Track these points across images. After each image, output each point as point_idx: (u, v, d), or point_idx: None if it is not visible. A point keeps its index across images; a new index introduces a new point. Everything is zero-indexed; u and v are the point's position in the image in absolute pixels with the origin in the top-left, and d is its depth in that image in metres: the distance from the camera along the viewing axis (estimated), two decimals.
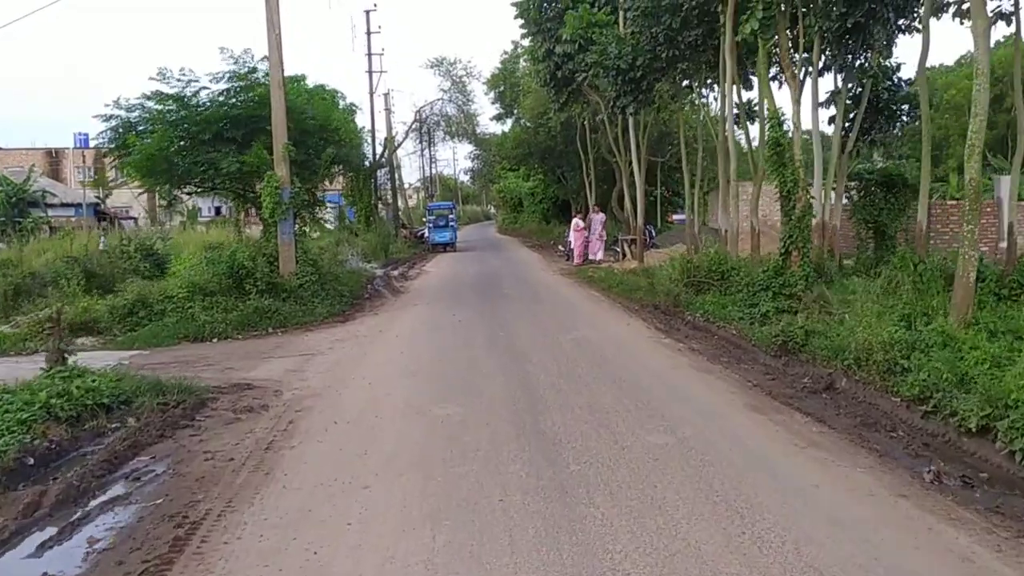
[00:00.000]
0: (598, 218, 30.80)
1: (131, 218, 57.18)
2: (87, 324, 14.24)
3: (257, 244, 17.18)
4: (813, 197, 15.13)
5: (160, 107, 17.34)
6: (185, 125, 17.18)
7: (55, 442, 7.09)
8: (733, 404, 8.67)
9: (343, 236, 34.47)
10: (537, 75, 30.56)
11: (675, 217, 50.89)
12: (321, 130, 18.17)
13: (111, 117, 17.66)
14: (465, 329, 14.22)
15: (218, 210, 55.71)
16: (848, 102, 18.08)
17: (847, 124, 18.57)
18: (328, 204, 55.97)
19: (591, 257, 30.03)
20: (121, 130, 17.73)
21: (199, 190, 19.12)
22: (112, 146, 18.16)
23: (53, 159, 69.96)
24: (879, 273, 16.79)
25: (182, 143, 17.34)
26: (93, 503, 6.03)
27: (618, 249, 31.04)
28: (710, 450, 6.89)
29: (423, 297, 19.96)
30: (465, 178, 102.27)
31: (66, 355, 8.98)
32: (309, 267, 16.93)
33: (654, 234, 33.50)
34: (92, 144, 21.13)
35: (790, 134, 14.66)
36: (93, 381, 8.46)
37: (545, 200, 58.50)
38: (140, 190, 36.19)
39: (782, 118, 15.01)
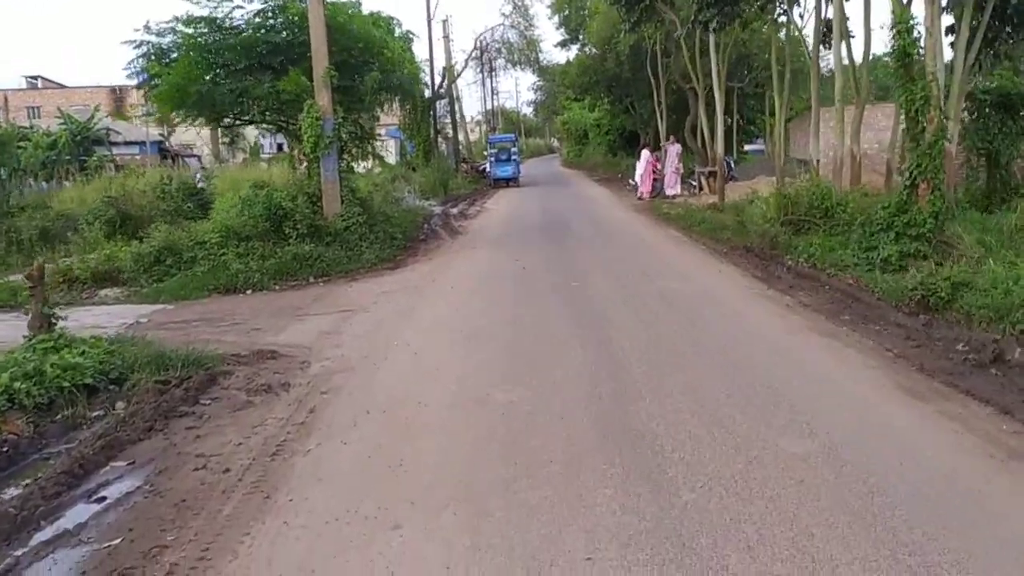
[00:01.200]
0: (673, 149, 28.28)
1: (195, 155, 56.54)
2: (110, 273, 12.81)
3: (298, 183, 15.48)
4: (948, 118, 12.69)
5: (190, 30, 15.57)
6: (217, 50, 15.41)
7: (8, 443, 5.51)
8: (880, 386, 6.63)
9: (400, 172, 32.73)
10: None
11: (749, 148, 47.81)
12: (367, 52, 16.18)
13: (141, 43, 15.99)
14: (530, 278, 12.34)
15: (280, 147, 54.63)
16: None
17: (970, 33, 15.81)
18: (390, 138, 54.52)
19: (667, 192, 27.68)
20: (153, 58, 16.05)
21: (237, 123, 17.42)
22: (141, 77, 16.53)
23: (117, 97, 69.58)
24: (991, 209, 14.34)
25: (216, 71, 15.63)
26: (29, 544, 4.41)
27: (694, 183, 28.64)
28: (872, 466, 4.93)
29: (483, 239, 18.10)
30: (528, 110, 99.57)
31: (52, 320, 7.41)
32: (356, 207, 15.17)
33: (733, 166, 30.77)
34: (127, 76, 19.56)
35: (922, 42, 12.17)
36: (80, 354, 6.88)
37: (612, 132, 55.80)
38: (201, 127, 34.94)
39: (913, 21, 12.45)
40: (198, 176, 32.02)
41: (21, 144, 43.93)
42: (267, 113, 16.53)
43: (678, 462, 5.03)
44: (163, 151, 53.69)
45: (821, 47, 20.94)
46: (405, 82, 16.74)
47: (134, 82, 16.58)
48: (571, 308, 9.94)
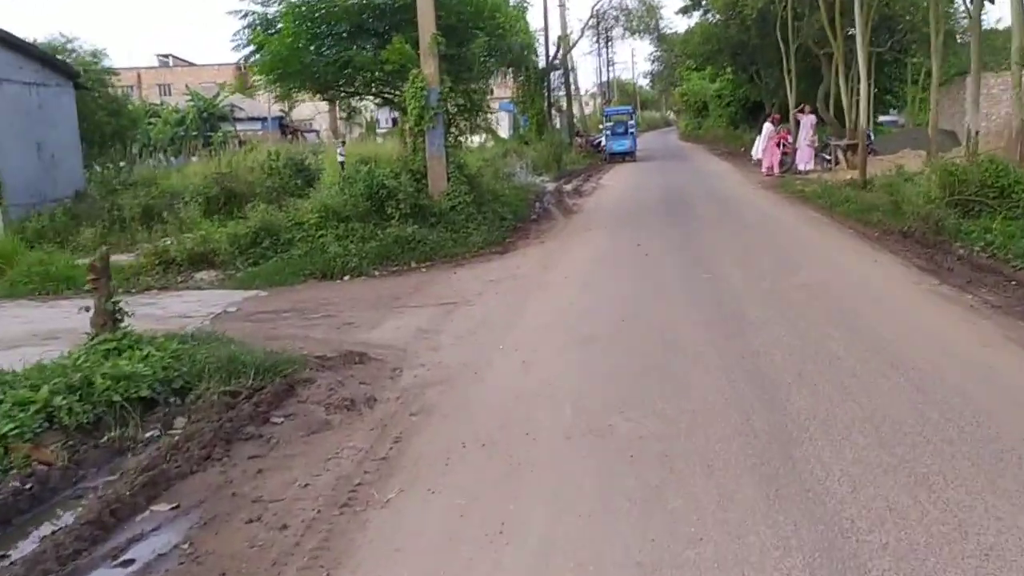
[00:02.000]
0: (807, 120, 25.97)
1: (313, 131, 57.41)
2: (207, 256, 12.18)
3: (402, 159, 14.52)
4: None
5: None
6: (320, 17, 14.55)
7: (37, 476, 4.64)
8: None
9: (512, 146, 31.60)
10: None
11: (882, 119, 44.22)
12: (477, 17, 15.00)
13: (247, 14, 15.32)
14: (654, 267, 10.94)
15: (394, 121, 54.66)
16: None
17: None
18: (502, 112, 53.56)
19: (799, 167, 25.49)
20: (259, 28, 15.37)
21: (342, 95, 16.58)
22: (249, 51, 15.87)
23: (242, 73, 71.35)
24: None
25: (320, 40, 14.81)
26: None
27: (828, 157, 26.29)
28: None
29: (599, 219, 16.73)
30: (644, 82, 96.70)
31: (117, 316, 6.59)
32: (463, 186, 14.09)
33: (872, 139, 28.17)
34: (232, 48, 18.84)
35: None
36: (143, 359, 6.01)
37: (733, 103, 52.96)
38: (312, 101, 34.86)
39: None
40: (339, 151, 31.63)
41: (151, 120, 45.49)
42: (373, 84, 15.62)
43: (880, 551, 3.63)
44: (283, 127, 54.73)
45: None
46: (516, 49, 15.46)
47: (241, 55, 15.92)
48: (703, 307, 8.51)
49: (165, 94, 64.05)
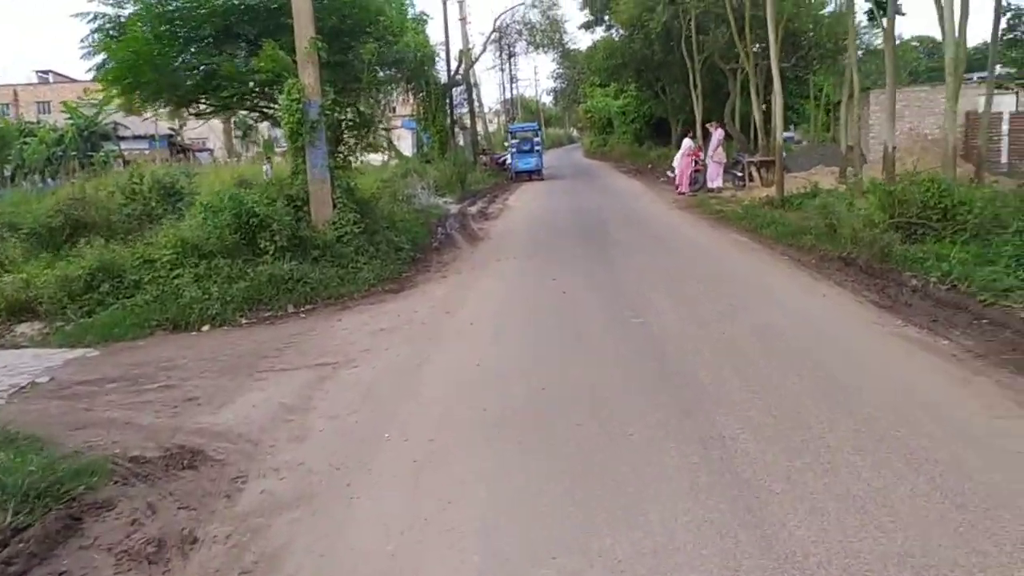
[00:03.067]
0: (716, 136, 25.07)
1: (207, 150, 54.24)
2: (29, 304, 9.90)
3: (278, 183, 12.53)
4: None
5: None
6: (181, 20, 12.47)
7: None
8: None
9: (413, 166, 29.77)
10: None
11: (784, 136, 44.39)
12: (364, 19, 13.18)
13: (96, 16, 13.05)
14: (574, 308, 9.28)
15: None
16: None
17: None
18: (405, 130, 51.57)
19: (710, 184, 24.55)
20: (112, 33, 13.12)
21: (208, 110, 14.41)
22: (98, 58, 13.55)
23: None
24: None
25: (179, 45, 12.71)
26: None
27: (739, 174, 25.47)
28: None
29: (508, 246, 15.04)
30: (547, 99, 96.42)
31: None
32: (352, 212, 12.17)
33: (783, 155, 27.58)
34: (81, 56, 16.18)
35: None
36: None
37: (638, 119, 52.78)
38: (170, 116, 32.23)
39: None
40: (266, 168, 28.91)
41: (27, 140, 41.69)
42: (245, 97, 13.56)
43: None
44: (173, 145, 51.44)
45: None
46: (411, 58, 13.68)
47: (90, 63, 13.55)
48: (642, 366, 6.87)
49: (44, 112, 59.67)
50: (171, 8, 12.51)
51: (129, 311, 9.56)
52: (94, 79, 12.63)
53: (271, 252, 10.84)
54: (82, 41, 13.18)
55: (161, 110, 14.58)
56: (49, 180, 36.90)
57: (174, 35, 12.63)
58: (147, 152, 47.89)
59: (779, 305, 9.08)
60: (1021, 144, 25.57)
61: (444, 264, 13.20)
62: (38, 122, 49.04)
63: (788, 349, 7.22)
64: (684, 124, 42.33)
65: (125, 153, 44.95)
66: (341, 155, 13.60)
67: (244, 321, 9.67)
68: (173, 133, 51.89)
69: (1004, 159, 26.20)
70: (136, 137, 50.94)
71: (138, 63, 12.06)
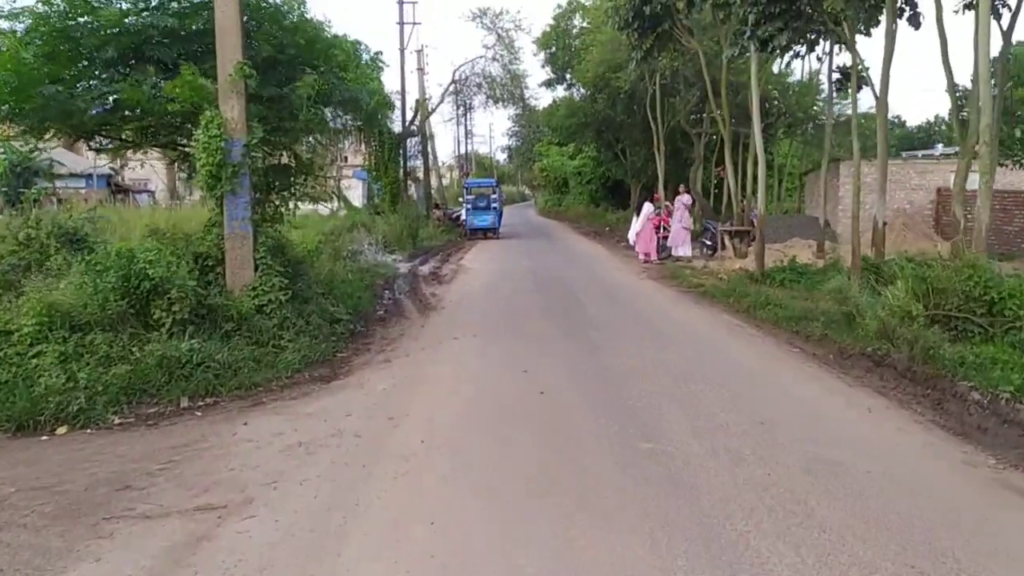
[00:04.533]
0: (683, 201, 23.48)
1: (148, 191, 51.42)
2: None
3: (186, 239, 10.20)
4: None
5: (44, 8, 10.31)
6: (77, 36, 10.20)
7: None
8: None
9: (360, 218, 27.57)
10: (615, 13, 23.28)
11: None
12: (308, 52, 11.08)
13: None
14: (558, 420, 7.07)
15: None
16: None
17: None
18: (356, 179, 49.42)
19: (676, 252, 22.86)
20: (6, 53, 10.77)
21: (110, 145, 12.03)
22: None
23: None
24: None
25: (76, 68, 10.43)
26: None
27: (707, 242, 23.88)
28: None
29: (466, 319, 12.83)
30: (501, 156, 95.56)
31: None
32: (277, 277, 9.87)
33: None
34: None
35: None
36: None
37: (594, 180, 51.92)
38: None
39: None
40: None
41: None
42: (157, 132, 11.27)
43: None
44: (113, 185, 48.66)
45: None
46: (359, 95, 11.57)
47: None
48: (672, 532, 4.70)
49: None
50: (70, 24, 10.23)
51: None
52: None
53: (167, 325, 8.47)
54: None
55: (48, 143, 12.17)
56: None
57: (73, 56, 10.35)
58: (83, 191, 45.11)
59: (820, 424, 7.02)
60: (997, 223, 24.41)
61: (389, 341, 10.92)
62: None
63: (865, 505, 5.11)
64: (644, 187, 41.16)
65: (59, 191, 42.13)
66: (272, 206, 11.37)
67: (117, 421, 7.24)
68: (113, 172, 49.13)
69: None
70: (73, 175, 48.09)
71: (19, 86, 9.72)
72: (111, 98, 10.64)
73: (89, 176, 47.12)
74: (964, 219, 14.89)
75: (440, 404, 7.66)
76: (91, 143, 11.59)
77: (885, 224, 17.24)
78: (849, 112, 33.69)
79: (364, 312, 12.88)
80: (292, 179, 11.84)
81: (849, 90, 25.60)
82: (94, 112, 10.73)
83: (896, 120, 56.97)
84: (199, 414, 7.50)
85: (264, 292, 9.71)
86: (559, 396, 7.81)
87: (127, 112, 10.77)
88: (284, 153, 11.90)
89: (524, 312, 13.48)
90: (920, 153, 36.10)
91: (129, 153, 13.12)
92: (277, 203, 11.51)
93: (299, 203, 12.48)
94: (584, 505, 5.13)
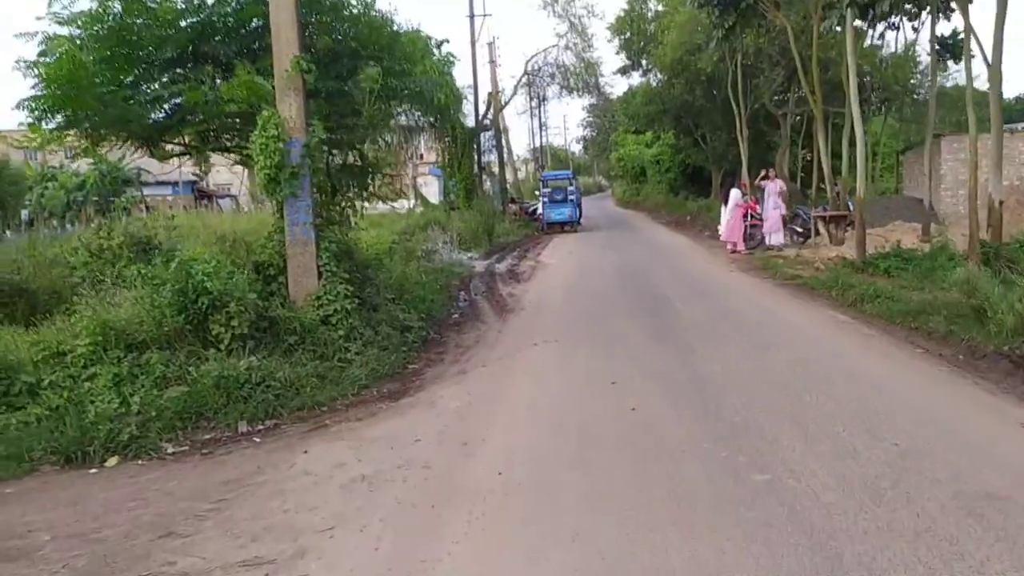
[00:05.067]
0: (775, 187, 22.00)
1: (231, 196, 52.41)
2: None
3: (247, 247, 9.66)
4: None
5: (100, 10, 9.88)
6: (138, 40, 9.76)
7: None
8: None
9: (434, 216, 27.04)
10: None
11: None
12: (370, 41, 10.40)
13: (46, 39, 10.34)
14: (653, 443, 6.14)
15: None
16: None
17: None
18: (432, 176, 49.19)
19: (770, 241, 21.47)
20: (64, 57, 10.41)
21: (174, 151, 11.58)
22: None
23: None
24: None
25: (132, 69, 10.00)
26: None
27: (798, 229, 22.43)
28: None
29: (545, 322, 12.01)
30: (577, 148, 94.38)
31: None
32: (343, 284, 9.23)
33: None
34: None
35: None
36: None
37: (672, 168, 50.34)
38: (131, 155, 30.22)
39: None
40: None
41: (47, 185, 40.16)
42: (218, 134, 10.79)
43: None
44: (198, 191, 49.71)
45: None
46: (425, 87, 10.82)
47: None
48: None
49: (69, 156, 57.98)
50: (126, 25, 9.78)
51: (6, 433, 6.63)
52: (20, 108, 9.81)
53: (226, 342, 7.91)
54: (25, 67, 10.46)
55: (118, 150, 11.81)
56: (68, 226, 35.21)
57: (129, 58, 9.91)
58: (170, 198, 46.20)
59: (970, 447, 5.89)
60: None
61: (464, 350, 10.17)
62: (61, 166, 47.49)
63: None
64: (726, 173, 39.61)
65: (148, 199, 43.35)
66: (338, 208, 10.76)
67: (170, 450, 6.68)
68: (198, 179, 50.23)
69: None
70: (159, 183, 49.39)
71: (77, 92, 9.31)
72: (172, 101, 10.20)
73: (175, 183, 48.20)
74: None
75: (519, 426, 6.84)
76: (154, 149, 11.14)
77: (1001, 203, 15.63)
78: (949, 85, 31.74)
79: (438, 317, 12.19)
80: (358, 179, 11.20)
81: (951, 62, 23.89)
82: (153, 118, 10.31)
83: (980, 95, 53.21)
84: (257, 440, 6.88)
85: (329, 301, 9.08)
86: (652, 413, 6.90)
87: (188, 116, 10.28)
88: (349, 152, 11.26)
89: (608, 312, 12.57)
90: (1020, 125, 33.63)
91: (214, 158, 12.76)
92: (343, 205, 10.90)
93: (370, 202, 11.86)
94: (696, 560, 4.24)
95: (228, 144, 11.28)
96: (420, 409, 7.53)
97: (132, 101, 9.82)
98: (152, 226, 14.41)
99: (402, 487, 5.53)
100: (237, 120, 9.94)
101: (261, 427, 7.17)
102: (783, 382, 7.74)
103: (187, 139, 11.08)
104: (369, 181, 11.51)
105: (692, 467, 5.60)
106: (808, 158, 35.18)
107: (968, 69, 15.82)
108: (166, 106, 10.27)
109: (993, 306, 9.26)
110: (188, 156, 11.90)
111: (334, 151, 10.65)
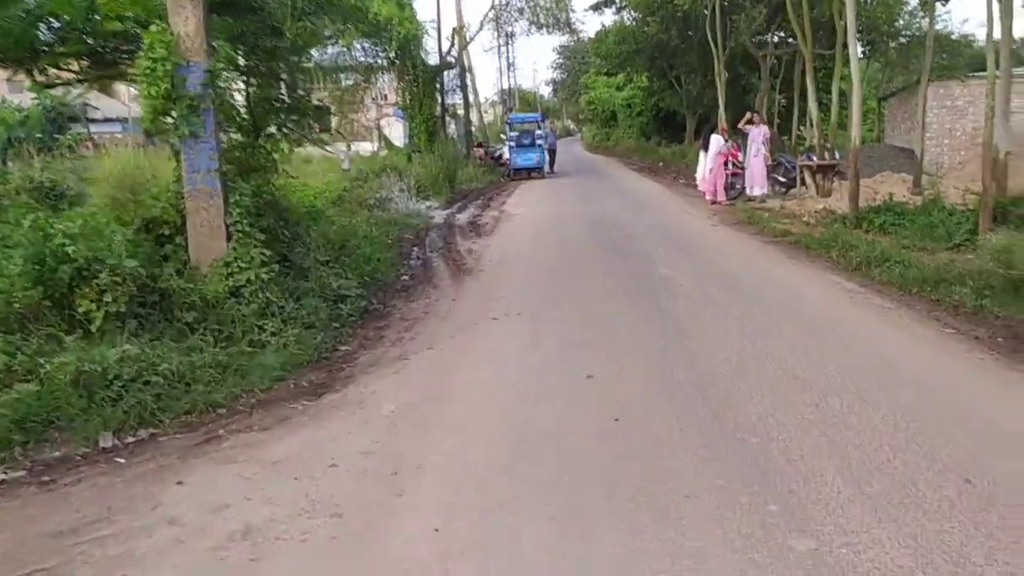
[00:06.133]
0: (759, 132, 20.30)
1: None
2: None
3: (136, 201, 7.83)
4: None
5: None
6: None
7: None
8: None
9: (391, 161, 25.07)
10: None
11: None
12: None
13: None
14: (641, 472, 4.56)
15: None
16: None
17: None
18: (395, 118, 46.85)
19: (752, 192, 19.88)
20: None
21: (45, 78, 9.58)
22: None
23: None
24: None
25: None
26: None
27: (782, 179, 20.90)
28: None
29: (509, 288, 10.35)
30: (546, 91, 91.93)
31: None
32: (256, 247, 7.47)
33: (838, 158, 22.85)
34: None
35: None
36: None
37: (644, 112, 48.68)
38: None
39: None
40: (343, 157, 24.89)
41: None
42: (103, 58, 8.82)
43: None
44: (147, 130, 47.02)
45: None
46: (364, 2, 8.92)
47: None
48: None
49: (17, 91, 54.56)
50: None
51: None
52: None
53: (97, 322, 6.16)
54: None
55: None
56: (8, 164, 32.87)
57: None
58: (120, 135, 43.58)
59: None
60: None
61: (410, 325, 8.48)
62: (3, 101, 44.55)
63: None
64: (700, 118, 37.96)
65: (95, 136, 40.78)
66: (263, 151, 8.92)
67: (4, 476, 4.98)
68: None
69: None
70: (108, 120, 46.71)
71: None
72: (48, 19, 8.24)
73: (125, 120, 45.46)
74: None
75: (469, 444, 5.21)
76: (34, 74, 9.15)
77: (1008, 154, 14.12)
78: (939, 28, 30.11)
79: (383, 281, 10.48)
80: (286, 117, 9.34)
81: (939, 2, 22.29)
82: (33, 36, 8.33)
83: (967, 40, 51.34)
84: (122, 460, 5.18)
85: (240, 268, 7.33)
86: (643, 428, 5.31)
87: (69, 35, 8.32)
88: (274, 84, 9.38)
89: (581, 277, 10.95)
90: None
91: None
92: (268, 148, 9.06)
93: (302, 145, 10.03)
94: None
95: (113, 72, 9.30)
96: (345, 413, 5.86)
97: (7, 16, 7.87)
98: (60, 169, 12.45)
99: (295, 556, 3.89)
100: (116, 42, 8.00)
101: (132, 439, 5.47)
102: (798, 377, 6.18)
103: (72, 64, 9.09)
104: (301, 119, 9.64)
105: (705, 527, 4.01)
106: (784, 103, 33.61)
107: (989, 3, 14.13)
108: (42, 25, 8.29)
109: None
110: (80, 84, 9.88)
111: (252, 80, 8.76)
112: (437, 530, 4.04)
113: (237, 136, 8.78)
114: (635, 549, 3.77)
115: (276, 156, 9.16)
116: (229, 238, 7.46)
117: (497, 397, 6.09)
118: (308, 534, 4.07)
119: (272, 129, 9.02)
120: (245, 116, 8.66)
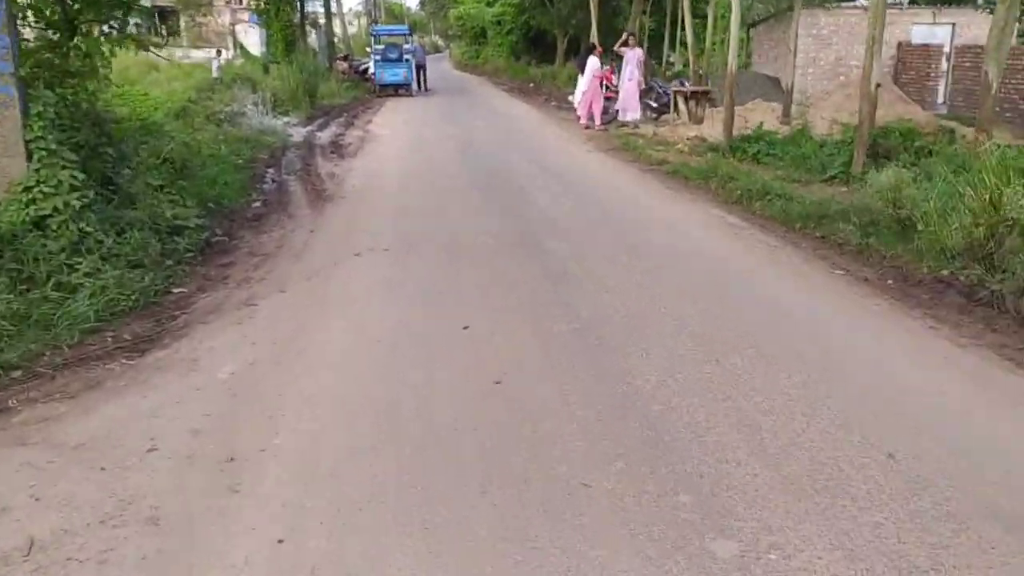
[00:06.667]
0: (633, 55, 19.74)
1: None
2: None
3: None
4: None
5: None
6: None
7: None
8: None
9: (244, 72, 23.05)
10: None
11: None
12: None
13: None
14: (531, 453, 3.89)
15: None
16: None
17: None
18: (252, 25, 43.49)
19: (624, 116, 19.42)
20: None
21: None
22: None
23: None
24: None
25: None
26: None
27: (653, 104, 20.55)
28: None
29: (373, 219, 9.38)
30: (414, 3, 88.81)
31: None
32: (64, 168, 6.20)
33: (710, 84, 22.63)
34: None
35: None
36: None
37: (515, 31, 47.46)
38: None
39: None
40: (215, 63, 23.14)
41: None
42: None
43: None
44: None
45: None
46: None
47: None
48: None
49: None
50: None
51: None
52: None
53: None
54: None
55: None
56: None
57: None
58: None
59: (985, 445, 4.08)
60: (966, 83, 21.65)
61: (260, 261, 7.43)
62: None
63: None
64: (571, 39, 37.29)
65: None
66: (79, 53, 7.49)
67: None
68: None
69: (941, 99, 22.71)
70: None
71: None
72: None
73: None
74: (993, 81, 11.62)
75: (325, 420, 4.36)
76: None
77: (879, 86, 14.10)
78: None
79: (232, 208, 9.28)
80: (108, 12, 7.88)
81: None
82: None
83: None
84: None
85: (45, 195, 6.06)
86: (527, 394, 4.63)
87: None
88: None
89: (452, 205, 10.10)
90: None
91: None
92: (85, 49, 7.62)
93: (125, 47, 8.55)
94: None
95: None
96: (173, 376, 4.88)
97: None
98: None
99: None
100: None
101: None
102: (689, 328, 5.65)
103: None
104: (126, 15, 8.19)
105: (604, 514, 3.40)
106: (653, 27, 33.30)
107: None
108: None
109: (926, 219, 7.58)
110: None
111: None
112: (281, 542, 3.22)
113: (46, 33, 7.32)
114: (531, 566, 3.09)
115: (98, 60, 7.73)
116: (30, 157, 6.14)
117: (359, 356, 5.24)
118: (111, 552, 3.17)
119: (90, 26, 7.54)
120: (55, 9, 7.18)
